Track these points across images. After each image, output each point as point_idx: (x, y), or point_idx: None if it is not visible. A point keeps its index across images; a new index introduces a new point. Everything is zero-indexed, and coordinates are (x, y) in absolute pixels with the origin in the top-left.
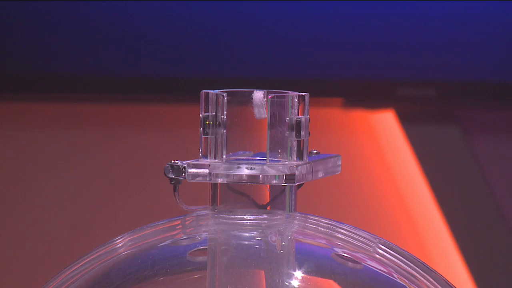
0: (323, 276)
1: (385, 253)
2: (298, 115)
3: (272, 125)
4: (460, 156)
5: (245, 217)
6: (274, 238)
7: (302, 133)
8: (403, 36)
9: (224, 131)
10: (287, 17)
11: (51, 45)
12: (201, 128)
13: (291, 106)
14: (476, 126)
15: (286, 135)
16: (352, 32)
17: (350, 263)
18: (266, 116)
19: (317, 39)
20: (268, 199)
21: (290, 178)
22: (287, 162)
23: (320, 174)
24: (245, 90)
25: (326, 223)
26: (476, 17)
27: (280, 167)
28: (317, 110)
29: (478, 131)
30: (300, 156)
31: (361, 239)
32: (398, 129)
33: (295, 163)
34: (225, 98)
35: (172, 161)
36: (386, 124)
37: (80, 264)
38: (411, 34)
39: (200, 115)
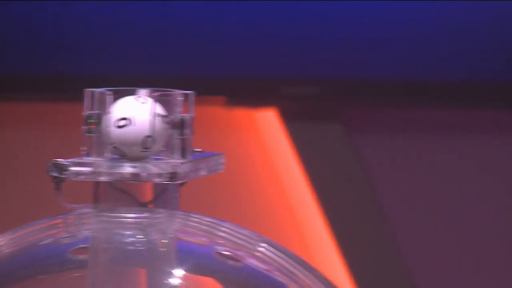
0: (203, 274)
1: (266, 251)
2: (182, 113)
3: None
4: (341, 153)
5: (127, 215)
6: (155, 237)
7: (186, 131)
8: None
9: (109, 129)
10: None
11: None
12: (84, 126)
13: (175, 104)
14: (358, 124)
15: (169, 133)
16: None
17: (230, 261)
18: None
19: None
20: (151, 197)
21: (172, 176)
22: (170, 160)
23: (203, 172)
24: (130, 88)
25: (208, 221)
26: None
27: (163, 165)
28: (200, 108)
29: (362, 130)
30: (183, 154)
31: (243, 237)
32: (280, 127)
33: (178, 161)
34: (111, 96)
35: (55, 159)
36: (269, 122)
37: None
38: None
39: (84, 113)
